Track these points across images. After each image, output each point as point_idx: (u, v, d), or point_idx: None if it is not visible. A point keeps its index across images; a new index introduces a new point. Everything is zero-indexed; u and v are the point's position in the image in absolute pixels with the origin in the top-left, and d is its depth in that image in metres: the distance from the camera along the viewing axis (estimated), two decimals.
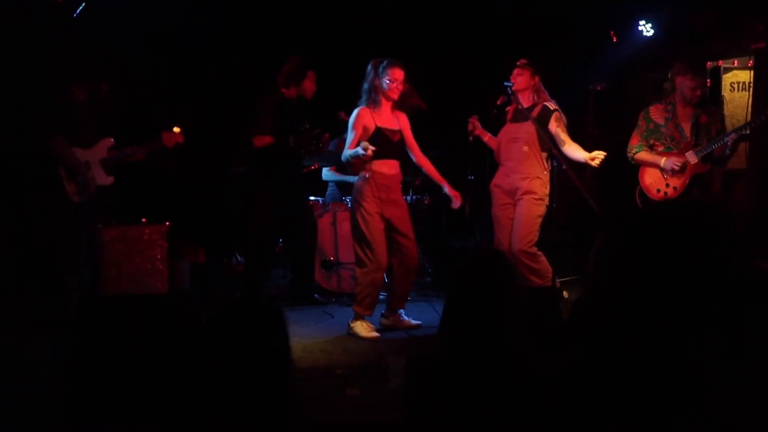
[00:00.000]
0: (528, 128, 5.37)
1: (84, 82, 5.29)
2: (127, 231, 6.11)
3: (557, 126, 5.35)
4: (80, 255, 5.23)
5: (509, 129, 5.52)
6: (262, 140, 5.83)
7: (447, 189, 5.53)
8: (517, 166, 5.40)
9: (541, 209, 5.37)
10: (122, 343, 2.71)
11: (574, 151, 5.29)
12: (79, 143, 5.26)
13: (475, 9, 7.50)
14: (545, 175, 5.39)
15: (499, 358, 2.13)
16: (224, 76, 7.39)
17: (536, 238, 5.35)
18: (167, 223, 6.29)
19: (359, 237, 5.29)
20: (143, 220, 6.28)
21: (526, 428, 2.05)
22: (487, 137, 5.66)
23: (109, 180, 5.39)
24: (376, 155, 5.18)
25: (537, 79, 5.45)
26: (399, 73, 5.26)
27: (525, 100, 5.46)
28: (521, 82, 5.43)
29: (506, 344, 2.16)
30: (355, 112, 5.30)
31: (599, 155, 5.15)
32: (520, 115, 5.44)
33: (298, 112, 6.00)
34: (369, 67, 5.32)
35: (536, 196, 5.33)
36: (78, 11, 6.24)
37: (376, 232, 5.25)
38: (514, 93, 5.42)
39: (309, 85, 6.05)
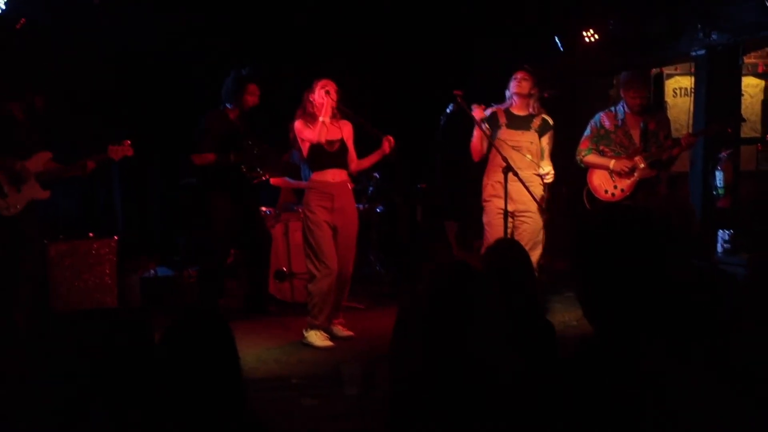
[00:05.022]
0: (531, 138, 5.36)
1: (17, 96, 5.15)
2: (76, 246, 5.98)
3: (548, 143, 5.44)
4: (20, 270, 5.11)
5: (507, 136, 5.36)
6: (202, 159, 5.79)
7: (378, 153, 5.43)
8: (521, 173, 5.18)
9: (545, 214, 5.36)
10: (72, 358, 2.67)
11: (545, 167, 5.40)
12: (15, 157, 5.11)
13: (420, 16, 7.55)
14: (543, 181, 5.34)
15: (475, 367, 2.14)
16: (174, 88, 7.32)
17: None
18: (116, 238, 6.19)
19: (308, 247, 5.35)
20: (91, 234, 6.17)
21: None
22: (479, 132, 5.38)
23: (44, 194, 5.24)
24: (317, 166, 5.26)
25: (537, 90, 5.43)
26: (327, 84, 5.30)
27: (521, 108, 5.42)
28: (525, 87, 5.38)
29: (482, 352, 2.17)
30: (292, 126, 5.34)
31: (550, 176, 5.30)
32: (519, 123, 5.39)
33: (243, 126, 5.93)
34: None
35: (541, 202, 5.33)
36: (20, 25, 6.12)
37: (322, 239, 5.28)
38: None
39: (250, 99, 5.94)
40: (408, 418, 2.20)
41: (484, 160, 5.49)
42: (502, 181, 5.17)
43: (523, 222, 5.34)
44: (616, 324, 1.71)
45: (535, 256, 5.19)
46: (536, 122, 5.41)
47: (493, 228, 5.36)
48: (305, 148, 5.34)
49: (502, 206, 5.21)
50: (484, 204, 5.47)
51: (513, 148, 5.30)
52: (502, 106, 5.46)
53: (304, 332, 5.33)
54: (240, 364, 2.02)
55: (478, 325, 2.20)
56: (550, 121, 5.45)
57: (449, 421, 2.09)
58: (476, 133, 5.41)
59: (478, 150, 5.45)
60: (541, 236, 5.36)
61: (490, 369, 2.15)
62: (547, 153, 5.44)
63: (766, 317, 2.18)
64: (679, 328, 1.93)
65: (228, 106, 5.92)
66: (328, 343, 5.27)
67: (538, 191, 5.31)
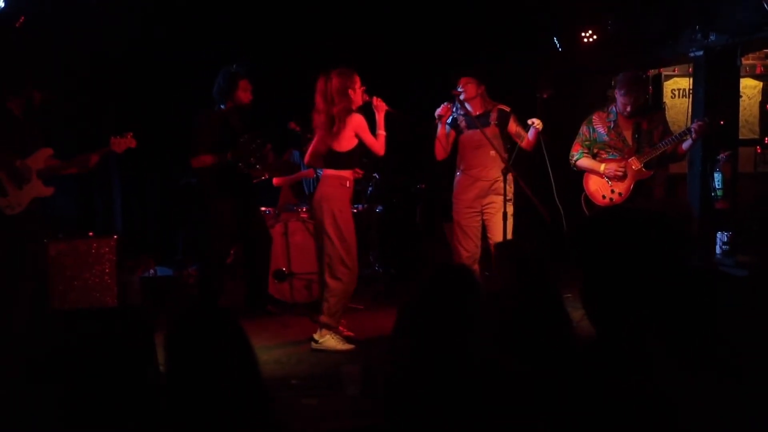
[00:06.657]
0: (492, 132, 5.45)
1: (16, 93, 5.12)
2: (75, 245, 5.98)
3: (517, 125, 5.55)
4: (23, 269, 5.10)
5: (469, 137, 5.57)
6: (200, 162, 5.71)
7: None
8: (486, 171, 5.53)
9: (511, 208, 5.42)
10: (72, 357, 2.67)
11: (529, 137, 5.51)
12: (15, 154, 5.10)
13: (419, 17, 7.56)
14: (509, 176, 5.34)
15: (464, 366, 2.16)
16: (173, 86, 7.32)
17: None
18: (115, 237, 6.19)
19: (340, 243, 5.13)
20: (90, 233, 6.17)
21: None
22: (442, 130, 5.67)
23: (48, 191, 5.23)
24: (353, 164, 5.27)
25: (483, 87, 5.61)
26: (362, 85, 5.26)
27: (475, 108, 5.58)
28: (470, 90, 5.55)
29: (471, 352, 2.19)
30: (357, 117, 5.17)
31: (536, 120, 5.39)
32: (477, 122, 5.46)
33: (238, 124, 5.88)
34: (324, 80, 5.16)
35: (507, 197, 5.38)
36: (19, 23, 6.12)
37: (352, 236, 5.20)
38: (462, 101, 5.52)
39: (243, 95, 5.82)
40: (404, 413, 2.22)
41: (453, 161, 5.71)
42: (475, 179, 5.51)
43: (491, 215, 5.53)
44: (619, 326, 1.72)
45: None
46: (494, 116, 5.58)
47: (464, 228, 5.59)
48: (355, 144, 5.18)
49: (470, 207, 5.55)
50: (455, 200, 5.67)
51: (475, 147, 5.53)
52: (460, 112, 5.61)
53: (318, 338, 5.19)
54: (256, 359, 2.01)
55: (470, 324, 2.23)
56: (507, 109, 5.62)
57: (444, 416, 2.11)
58: (440, 130, 5.64)
59: (441, 148, 5.68)
60: (510, 224, 5.42)
61: (483, 367, 2.18)
62: (522, 133, 5.51)
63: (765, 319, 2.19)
64: (680, 330, 1.94)
65: (222, 106, 5.86)
66: (348, 345, 5.18)
67: (501, 186, 5.39)
